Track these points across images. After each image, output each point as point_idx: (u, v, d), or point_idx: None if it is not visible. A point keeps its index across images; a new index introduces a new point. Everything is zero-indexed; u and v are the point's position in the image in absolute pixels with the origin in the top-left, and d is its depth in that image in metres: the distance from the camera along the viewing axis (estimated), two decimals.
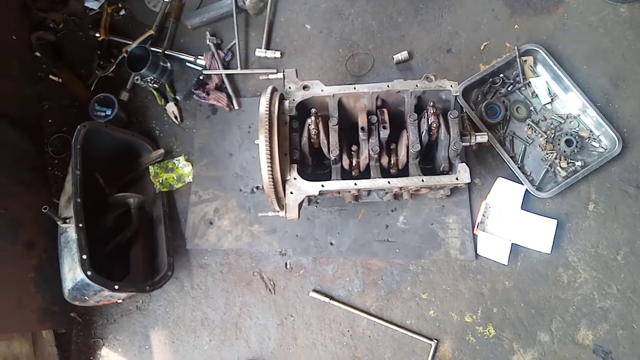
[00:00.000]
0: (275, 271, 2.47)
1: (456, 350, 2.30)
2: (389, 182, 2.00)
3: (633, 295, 2.28)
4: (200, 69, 2.74)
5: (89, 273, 1.97)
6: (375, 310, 2.37)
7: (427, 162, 2.24)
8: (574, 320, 2.28)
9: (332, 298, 2.38)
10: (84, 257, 1.99)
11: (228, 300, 2.46)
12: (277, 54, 2.72)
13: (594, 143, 2.43)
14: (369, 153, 2.04)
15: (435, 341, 2.30)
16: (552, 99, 2.50)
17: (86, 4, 2.91)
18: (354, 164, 2.11)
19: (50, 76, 2.82)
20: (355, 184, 2.01)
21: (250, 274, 2.48)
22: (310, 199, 2.46)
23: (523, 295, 2.32)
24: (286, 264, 2.47)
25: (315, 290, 2.41)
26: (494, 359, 2.28)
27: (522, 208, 2.36)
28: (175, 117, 2.70)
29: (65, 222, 2.10)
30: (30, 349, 2.30)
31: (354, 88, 2.10)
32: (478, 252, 2.36)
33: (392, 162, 2.12)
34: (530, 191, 2.34)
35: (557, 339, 2.27)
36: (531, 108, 2.51)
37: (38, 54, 2.85)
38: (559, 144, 2.40)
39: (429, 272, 2.39)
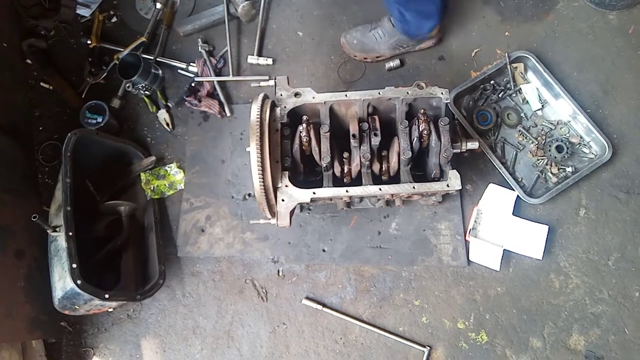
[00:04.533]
0: (267, 279, 2.46)
1: (449, 356, 2.30)
2: (380, 189, 2.00)
3: (624, 300, 2.29)
4: (192, 76, 2.73)
5: (78, 282, 1.95)
6: (367, 317, 2.37)
7: (419, 168, 2.24)
8: (566, 325, 2.29)
9: (324, 305, 2.38)
10: (74, 265, 1.97)
11: (220, 308, 2.45)
12: (270, 61, 2.72)
13: (584, 149, 2.45)
14: (360, 160, 2.04)
15: (428, 348, 2.29)
16: (542, 106, 2.52)
17: (78, 12, 2.90)
18: (345, 171, 2.11)
19: (41, 83, 2.81)
20: (347, 191, 2.00)
21: (242, 282, 2.47)
22: (302, 206, 2.46)
23: (515, 301, 2.32)
24: (278, 271, 2.46)
25: (307, 298, 2.40)
26: None
27: (513, 214, 2.36)
28: (167, 124, 2.69)
29: (55, 231, 2.08)
30: (20, 359, 2.27)
31: (346, 95, 2.10)
32: (470, 258, 2.36)
33: (383, 169, 2.12)
34: (522, 197, 2.35)
35: (549, 345, 2.27)
36: (522, 114, 2.52)
37: (29, 61, 2.84)
38: (549, 150, 2.42)
39: (421, 278, 2.39)
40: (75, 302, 2.07)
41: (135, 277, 2.35)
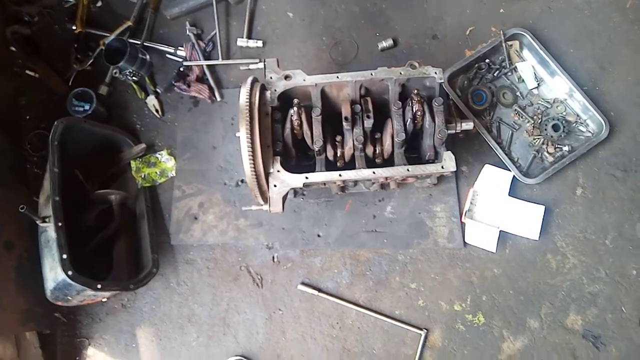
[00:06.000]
0: (262, 265, 2.44)
1: (446, 339, 2.29)
2: (374, 173, 1.96)
3: (621, 279, 2.27)
4: (180, 60, 2.67)
5: (70, 273, 1.93)
6: (364, 301, 2.35)
7: (413, 150, 2.20)
8: (563, 305, 2.28)
9: (320, 290, 2.36)
10: (65, 256, 1.94)
11: (215, 295, 2.43)
12: (259, 43, 2.66)
13: (581, 127, 2.41)
14: (353, 143, 2.01)
15: (425, 331, 2.28)
16: (538, 84, 2.47)
17: None
18: (338, 155, 2.07)
19: (27, 71, 2.74)
20: (340, 174, 1.97)
21: (237, 269, 2.44)
22: (295, 191, 2.42)
23: (512, 283, 2.31)
24: (273, 257, 2.44)
25: (303, 283, 2.38)
26: (484, 346, 2.27)
27: (509, 195, 2.33)
28: (157, 111, 2.64)
29: (45, 222, 2.05)
30: (14, 351, 2.25)
31: (337, 77, 2.05)
32: (466, 240, 2.34)
33: (377, 151, 2.08)
34: (518, 177, 2.32)
35: (546, 325, 2.27)
36: (518, 93, 2.48)
37: (13, 48, 2.76)
38: (545, 129, 2.38)
39: (417, 261, 2.37)
40: (67, 293, 2.05)
41: (128, 266, 2.33)
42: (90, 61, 2.69)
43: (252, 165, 1.87)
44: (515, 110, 2.45)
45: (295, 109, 1.98)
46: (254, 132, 1.88)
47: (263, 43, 2.66)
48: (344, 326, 2.34)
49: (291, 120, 2.00)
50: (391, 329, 2.32)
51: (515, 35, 2.48)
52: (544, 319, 2.27)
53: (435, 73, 2.02)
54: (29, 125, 2.69)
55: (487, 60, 2.48)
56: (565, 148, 2.38)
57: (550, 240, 2.33)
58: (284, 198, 1.96)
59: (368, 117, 2.02)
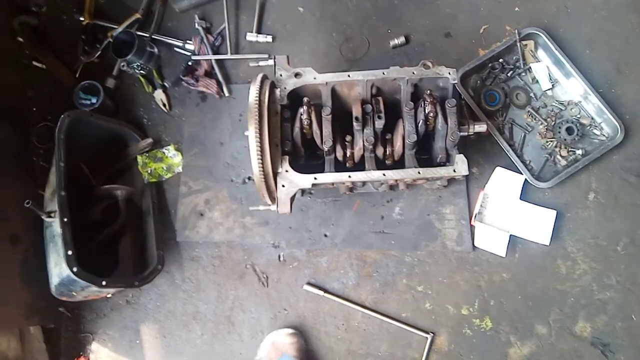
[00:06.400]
0: (268, 264, 2.41)
1: (452, 343, 2.27)
2: (384, 175, 1.93)
3: (632, 286, 2.24)
4: (188, 54, 2.63)
5: (74, 269, 1.91)
6: (370, 303, 2.33)
7: (424, 152, 2.16)
8: (572, 312, 2.24)
9: (326, 291, 2.34)
10: (70, 252, 1.92)
11: (220, 293, 2.41)
12: (269, 38, 2.62)
13: (595, 131, 2.36)
14: (363, 144, 1.97)
15: (431, 334, 2.26)
16: (552, 85, 2.42)
17: None
18: (348, 155, 2.03)
19: (34, 62, 2.71)
20: (350, 176, 1.93)
21: (242, 267, 2.42)
22: (303, 190, 2.39)
23: (521, 287, 2.28)
24: (279, 256, 2.42)
25: (309, 283, 2.36)
26: (490, 351, 2.25)
27: (521, 198, 2.29)
28: (164, 105, 2.61)
29: (50, 216, 2.03)
30: (18, 345, 2.24)
31: (348, 76, 2.00)
32: (475, 244, 2.30)
33: (387, 152, 2.05)
34: (530, 181, 2.28)
35: (554, 331, 2.23)
36: (531, 94, 2.43)
37: (21, 39, 2.73)
38: (559, 132, 2.33)
39: (425, 264, 2.34)
40: (72, 288, 2.04)
41: (133, 262, 2.32)
42: (98, 53, 2.66)
43: (261, 165, 1.84)
44: (529, 111, 2.40)
45: (305, 107, 1.94)
46: (263, 131, 1.84)
47: (273, 38, 2.62)
48: (349, 327, 2.32)
49: (301, 119, 1.96)
50: (397, 331, 2.29)
51: (530, 35, 2.43)
52: (552, 325, 2.24)
53: (449, 73, 1.97)
54: (35, 118, 2.67)
55: (500, 60, 2.43)
56: (579, 152, 2.33)
57: (560, 245, 2.30)
58: (292, 198, 1.93)
59: (379, 117, 1.98)
